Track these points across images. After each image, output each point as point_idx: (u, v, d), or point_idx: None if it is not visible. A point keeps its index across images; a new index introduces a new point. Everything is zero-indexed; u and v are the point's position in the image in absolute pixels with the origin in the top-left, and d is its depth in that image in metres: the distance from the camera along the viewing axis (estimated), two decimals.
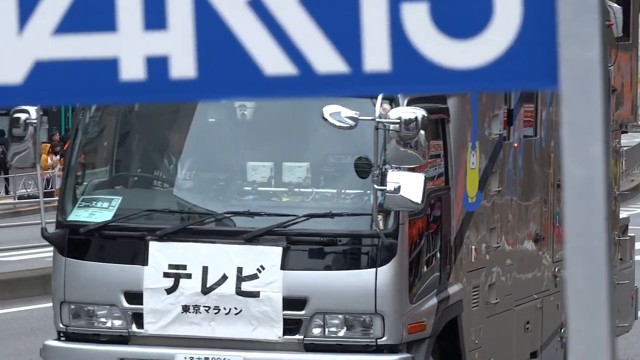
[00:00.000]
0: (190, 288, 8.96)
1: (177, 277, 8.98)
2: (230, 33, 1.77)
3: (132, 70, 1.80)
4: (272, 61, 1.77)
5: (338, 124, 8.61)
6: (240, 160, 9.41)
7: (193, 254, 9.01)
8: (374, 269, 8.92)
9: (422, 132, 8.61)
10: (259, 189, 9.27)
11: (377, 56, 1.75)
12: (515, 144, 10.54)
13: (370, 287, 8.90)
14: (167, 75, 1.80)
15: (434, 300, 9.32)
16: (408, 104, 8.82)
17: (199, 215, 9.28)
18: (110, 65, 1.80)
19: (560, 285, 11.38)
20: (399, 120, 8.54)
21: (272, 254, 8.93)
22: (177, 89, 1.82)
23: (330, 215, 9.02)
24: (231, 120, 9.58)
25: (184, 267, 9.01)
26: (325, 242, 9.02)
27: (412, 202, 8.57)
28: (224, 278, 8.93)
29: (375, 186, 8.68)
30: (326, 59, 1.76)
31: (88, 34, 1.80)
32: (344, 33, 1.76)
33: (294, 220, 9.04)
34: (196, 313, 8.96)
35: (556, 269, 11.27)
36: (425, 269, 9.35)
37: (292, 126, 9.59)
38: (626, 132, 13.98)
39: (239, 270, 8.92)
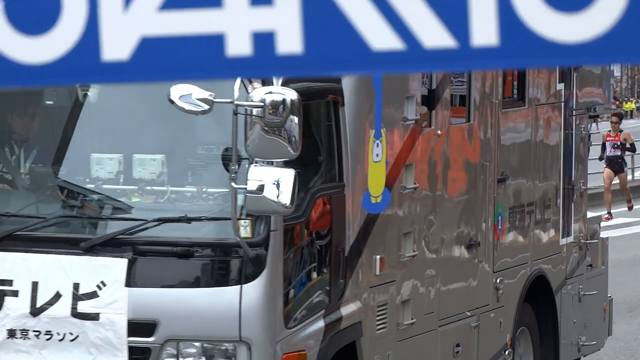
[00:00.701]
0: (16, 308, 7.32)
1: (0, 295, 7.37)
2: (337, 8, 1.82)
3: (238, 46, 1.85)
4: (379, 36, 1.82)
5: (188, 107, 6.95)
6: (81, 152, 7.73)
7: (20, 267, 7.37)
8: (238, 287, 7.23)
9: (293, 117, 6.91)
10: (104, 186, 7.57)
11: (484, 30, 1.80)
12: (439, 132, 8.76)
13: (233, 308, 7.19)
14: (274, 50, 1.84)
15: (319, 324, 7.59)
16: (285, 85, 7.10)
17: (28, 219, 7.61)
18: (216, 41, 1.85)
19: (504, 299, 9.62)
20: (262, 103, 6.84)
21: (115, 267, 7.26)
22: (283, 64, 1.87)
23: (186, 219, 7.35)
24: (72, 103, 7.88)
25: (9, 282, 7.37)
26: (179, 252, 7.35)
27: (279, 204, 6.85)
28: (58, 296, 7.28)
29: (234, 184, 6.98)
30: (433, 33, 1.81)
31: (194, 10, 1.85)
32: (451, 7, 1.81)
33: (143, 225, 7.37)
34: (24, 339, 7.32)
35: (497, 280, 9.49)
36: (307, 285, 7.63)
37: (146, 111, 7.87)
38: (596, 117, 12.09)
39: (76, 286, 7.26)
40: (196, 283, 7.46)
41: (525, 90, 9.84)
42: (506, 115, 9.60)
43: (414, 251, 8.46)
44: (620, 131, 24.31)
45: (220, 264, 7.44)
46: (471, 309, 9.16)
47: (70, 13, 1.86)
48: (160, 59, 1.87)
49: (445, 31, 1.79)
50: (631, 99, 77.07)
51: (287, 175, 6.91)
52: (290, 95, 6.90)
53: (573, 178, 10.58)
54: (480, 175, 9.21)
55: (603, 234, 11.59)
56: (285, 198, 6.86)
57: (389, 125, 8.23)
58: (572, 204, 10.57)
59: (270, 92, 6.92)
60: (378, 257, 8.08)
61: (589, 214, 11.48)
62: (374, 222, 8.09)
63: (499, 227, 9.43)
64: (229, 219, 7.13)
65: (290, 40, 1.82)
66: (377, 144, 8.06)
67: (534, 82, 9.89)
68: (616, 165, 23.71)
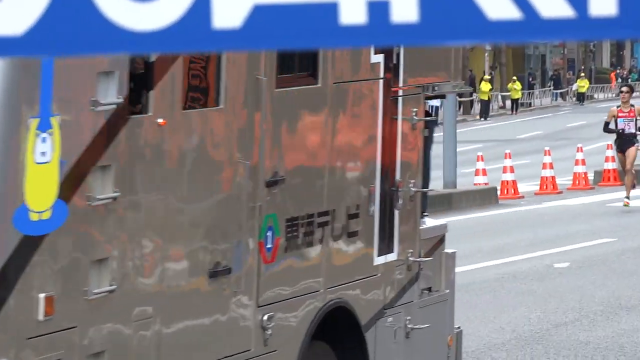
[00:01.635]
0: None
1: None
2: None
3: (353, 14, 1.87)
4: (496, 5, 1.84)
5: None
6: None
7: None
8: None
9: None
10: None
11: (603, 0, 1.81)
12: (161, 120, 6.39)
13: None
14: (388, 19, 1.87)
15: None
16: None
17: None
18: (330, 9, 1.86)
19: (277, 342, 7.28)
20: None
21: None
22: (398, 33, 1.89)
23: None
24: None
25: None
26: None
27: None
28: None
29: None
30: (551, 3, 1.84)
31: None
32: None
33: None
34: None
35: (265, 317, 7.10)
36: None
37: None
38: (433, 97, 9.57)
39: None
40: None
41: (317, 63, 7.43)
42: (284, 96, 7.22)
43: (111, 284, 6.12)
44: (632, 105, 21.62)
45: None
46: (222, 357, 6.83)
47: None
48: (273, 27, 1.88)
49: (563, 1, 1.83)
50: (582, 76, 69.63)
51: None
52: None
53: (398, 177, 8.14)
54: (235, 177, 6.84)
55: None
56: None
57: (68, 112, 5.89)
58: (396, 212, 8.13)
59: None
60: (43, 295, 5.76)
61: (435, 222, 9.09)
62: (37, 247, 5.77)
63: (268, 245, 7.04)
64: None
65: (405, 9, 1.85)
66: (44, 139, 5.73)
67: (334, 54, 7.46)
68: (629, 144, 21.18)
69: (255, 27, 1.89)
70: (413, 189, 8.29)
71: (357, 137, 7.79)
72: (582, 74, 69.68)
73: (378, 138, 7.89)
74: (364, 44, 2.12)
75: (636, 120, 21.14)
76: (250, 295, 6.96)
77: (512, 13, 1.84)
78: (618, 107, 21.95)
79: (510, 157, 25.48)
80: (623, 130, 21.20)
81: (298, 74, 7.47)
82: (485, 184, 25.32)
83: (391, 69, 8.00)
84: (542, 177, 25.14)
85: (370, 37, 1.90)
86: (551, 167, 25.53)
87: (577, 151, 26.81)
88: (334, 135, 7.53)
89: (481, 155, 26.12)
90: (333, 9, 1.87)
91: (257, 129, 6.93)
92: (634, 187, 21.21)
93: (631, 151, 21.15)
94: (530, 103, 65.54)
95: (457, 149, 23.98)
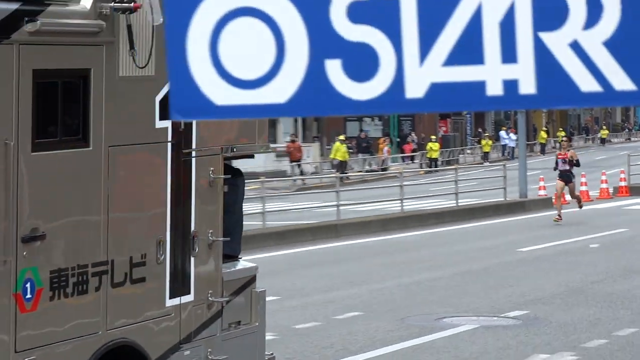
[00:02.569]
0: None
1: None
2: (557, 62, 2.69)
3: (494, 89, 2.73)
4: (586, 81, 2.68)
5: None
6: None
7: None
8: None
9: None
10: None
11: (625, 80, 2.68)
12: None
13: None
14: (517, 92, 2.72)
15: None
16: None
17: None
18: (479, 86, 2.73)
19: None
20: None
21: None
22: (523, 102, 2.73)
23: None
24: None
25: None
26: None
27: None
28: None
29: None
30: (621, 80, 2.67)
31: (464, 66, 2.73)
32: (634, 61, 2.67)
33: None
34: None
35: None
36: None
37: None
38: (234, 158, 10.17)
39: None
40: None
41: (89, 128, 7.69)
42: (43, 159, 7.47)
43: None
44: (569, 150, 30.87)
45: None
46: None
47: (385, 68, 2.75)
48: (443, 96, 2.76)
49: (629, 79, 2.67)
50: (604, 127, 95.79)
51: None
52: None
53: (194, 228, 8.61)
54: None
55: None
56: None
57: None
58: (193, 258, 8.60)
59: None
60: None
61: (246, 264, 9.63)
62: None
63: (27, 296, 7.26)
64: None
65: (528, 85, 2.70)
66: None
67: (112, 120, 7.83)
68: (566, 177, 29.50)
69: (432, 97, 2.75)
70: (212, 238, 8.76)
71: (140, 195, 8.19)
72: (604, 126, 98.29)
73: (167, 194, 8.31)
74: (502, 108, 3.01)
75: (570, 160, 29.24)
76: (7, 343, 7.18)
77: (596, 87, 2.67)
78: (559, 151, 31.16)
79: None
80: (558, 166, 29.53)
81: (65, 138, 7.73)
82: (545, 195, 36.56)
83: (182, 133, 8.41)
84: (580, 191, 34.86)
85: (504, 103, 2.77)
86: (586, 184, 37.57)
87: (602, 174, 39.35)
88: (111, 194, 7.85)
89: (542, 177, 37.43)
90: (482, 85, 2.72)
91: (9, 191, 7.16)
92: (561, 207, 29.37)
93: (570, 185, 29.40)
94: (571, 145, 78.21)
95: (527, 173, 36.33)
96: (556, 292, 17.77)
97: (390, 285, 18.34)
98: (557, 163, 29.92)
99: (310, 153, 53.27)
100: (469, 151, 70.82)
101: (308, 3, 2.78)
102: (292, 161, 48.67)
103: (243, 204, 9.96)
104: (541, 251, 23.02)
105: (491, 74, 2.70)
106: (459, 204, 31.55)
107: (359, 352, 13.48)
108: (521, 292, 17.74)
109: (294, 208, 32.09)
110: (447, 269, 20.27)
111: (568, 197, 30.20)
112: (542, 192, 37.10)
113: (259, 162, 36.79)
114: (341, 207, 27.78)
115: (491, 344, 13.91)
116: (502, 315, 15.80)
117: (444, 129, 71.06)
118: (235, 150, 9.16)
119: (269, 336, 10.56)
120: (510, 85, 2.70)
